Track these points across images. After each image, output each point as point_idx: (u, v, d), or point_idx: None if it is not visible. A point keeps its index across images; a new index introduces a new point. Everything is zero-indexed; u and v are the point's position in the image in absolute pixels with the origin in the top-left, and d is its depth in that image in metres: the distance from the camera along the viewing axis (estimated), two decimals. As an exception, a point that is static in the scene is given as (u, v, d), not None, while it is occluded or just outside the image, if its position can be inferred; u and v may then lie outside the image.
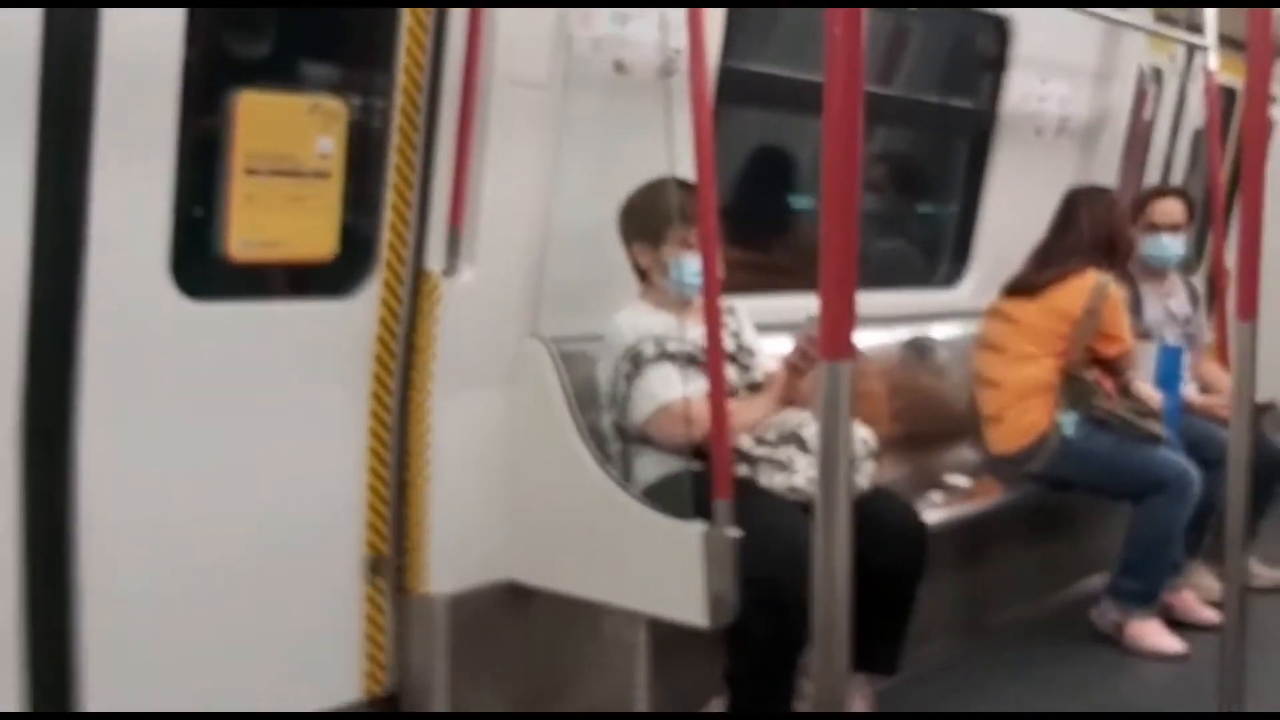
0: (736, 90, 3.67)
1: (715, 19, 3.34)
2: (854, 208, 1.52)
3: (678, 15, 2.80)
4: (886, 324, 4.30)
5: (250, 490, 2.71)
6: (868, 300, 4.60)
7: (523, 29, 2.92)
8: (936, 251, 4.86)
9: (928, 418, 4.22)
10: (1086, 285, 3.89)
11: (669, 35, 2.95)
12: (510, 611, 3.09)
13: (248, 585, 2.70)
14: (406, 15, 2.79)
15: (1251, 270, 2.42)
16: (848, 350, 1.53)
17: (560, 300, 3.14)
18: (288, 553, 2.78)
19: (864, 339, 4.19)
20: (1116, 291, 3.95)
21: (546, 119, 3.01)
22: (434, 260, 2.93)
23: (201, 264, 2.60)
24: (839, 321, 1.52)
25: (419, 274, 2.93)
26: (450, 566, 3.01)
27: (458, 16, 2.80)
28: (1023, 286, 4.04)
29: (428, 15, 2.80)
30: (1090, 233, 4.01)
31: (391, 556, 2.97)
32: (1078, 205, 4.09)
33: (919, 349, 4.34)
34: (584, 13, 3.05)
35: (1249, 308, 2.38)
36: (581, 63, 3.08)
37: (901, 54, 4.76)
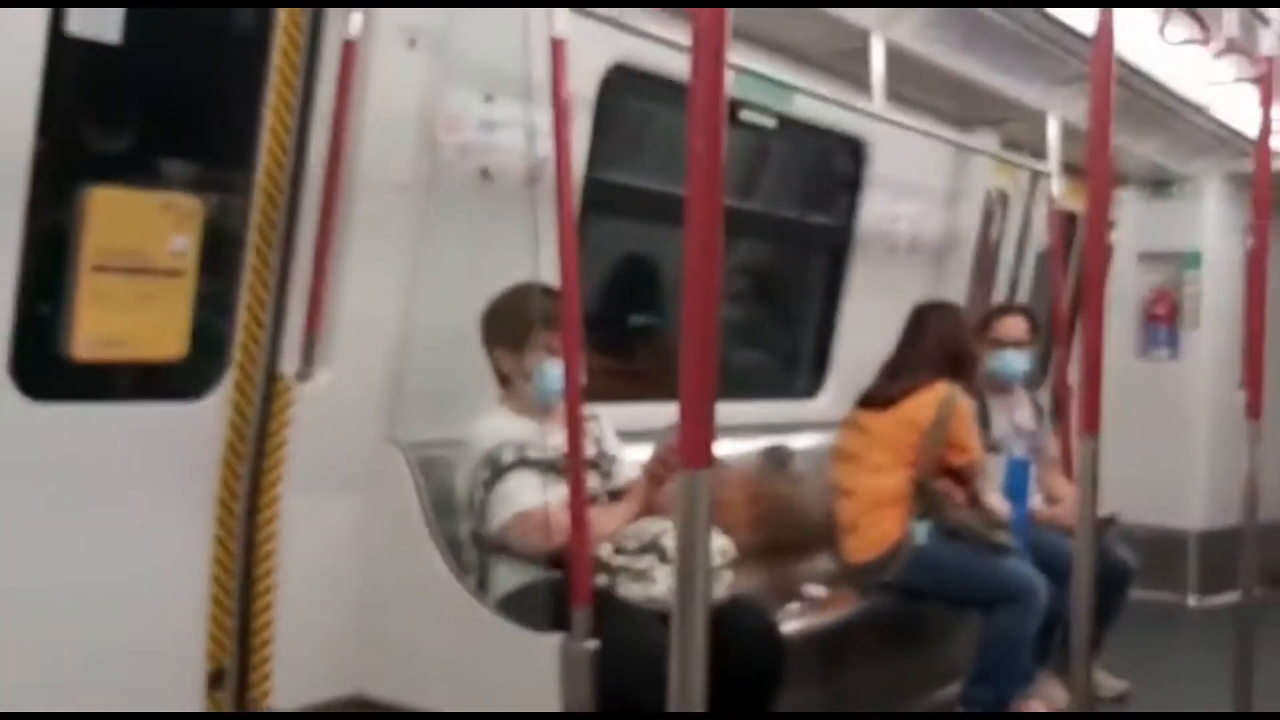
0: (602, 200, 3.72)
1: (581, 129, 3.39)
2: (714, 318, 1.54)
3: (544, 124, 2.83)
4: (746, 434, 4.35)
5: (89, 600, 2.57)
6: (728, 410, 4.64)
7: (387, 132, 2.91)
8: (795, 363, 4.96)
9: (786, 527, 4.25)
10: (935, 397, 4.00)
11: (535, 144, 2.98)
12: (359, 728, 2.98)
13: (84, 700, 2.55)
14: (269, 113, 2.76)
15: (1094, 386, 2.51)
16: (707, 459, 1.53)
17: (420, 405, 3.10)
18: (127, 665, 2.64)
19: (724, 448, 4.23)
20: (964, 403, 4.06)
21: (409, 222, 3.00)
22: (288, 362, 2.87)
23: (44, 363, 2.50)
24: (698, 430, 1.52)
25: (272, 377, 2.86)
26: (296, 680, 2.89)
27: (321, 116, 2.78)
28: (875, 398, 4.14)
29: (290, 113, 2.78)
30: (937, 346, 4.14)
31: (234, 669, 2.84)
32: (924, 320, 4.23)
33: (777, 458, 4.39)
34: (451, 118, 3.06)
35: (1092, 422, 2.46)
36: (447, 168, 3.08)
37: (763, 171, 4.90)
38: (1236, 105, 4.90)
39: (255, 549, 2.84)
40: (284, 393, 2.85)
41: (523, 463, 2.96)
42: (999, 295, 5.54)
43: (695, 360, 1.51)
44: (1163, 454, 6.28)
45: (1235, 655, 3.28)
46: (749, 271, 5.11)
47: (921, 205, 4.94)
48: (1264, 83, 3.26)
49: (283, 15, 2.75)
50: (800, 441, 4.52)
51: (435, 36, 2.93)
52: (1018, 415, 4.70)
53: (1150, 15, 3.20)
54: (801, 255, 5.04)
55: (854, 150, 4.64)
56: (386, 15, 2.81)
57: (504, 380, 3.13)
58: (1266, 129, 3.28)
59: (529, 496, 2.91)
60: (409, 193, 2.99)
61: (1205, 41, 3.04)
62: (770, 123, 4.21)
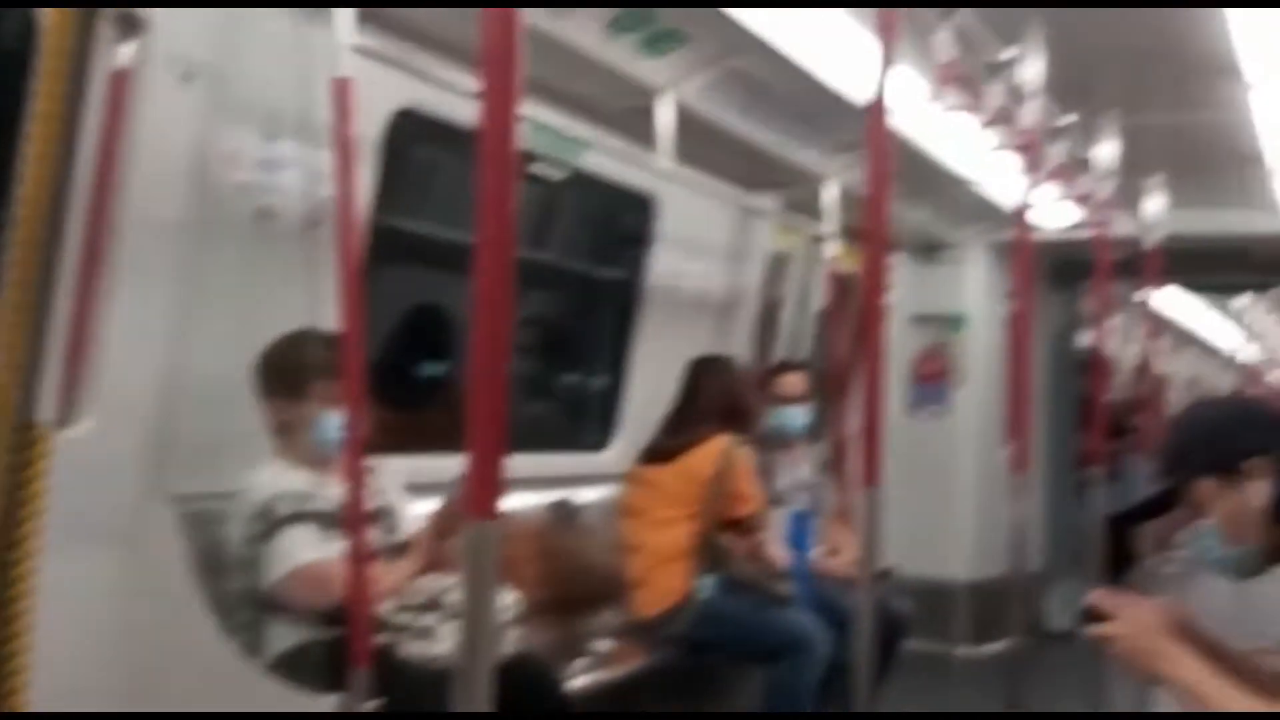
0: (389, 247, 3.63)
1: (367, 174, 3.31)
2: (504, 367, 1.49)
3: (327, 165, 2.74)
4: (535, 487, 4.30)
5: None
6: (516, 463, 4.58)
7: (159, 168, 2.77)
8: (584, 416, 4.94)
9: (574, 582, 4.19)
10: (716, 449, 4.05)
11: (317, 186, 2.88)
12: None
13: None
14: (30, 143, 2.58)
15: (874, 440, 2.57)
16: (494, 511, 1.48)
17: (190, 456, 2.92)
18: None
19: (512, 502, 4.17)
20: (743, 454, 4.12)
21: (181, 264, 2.84)
22: (45, 410, 2.67)
23: None
24: (487, 481, 1.47)
25: (26, 425, 2.65)
26: (50, 751, 2.66)
27: (87, 147, 2.62)
28: (657, 452, 4.17)
29: (51, 143, 2.60)
30: (714, 400, 4.21)
31: (-19, 740, 2.60)
32: (701, 374, 4.30)
33: (565, 512, 4.35)
34: (228, 156, 2.93)
35: (873, 475, 2.52)
36: (223, 207, 2.95)
37: (555, 223, 4.89)
38: (1000, 177, 5.18)
39: (7, 608, 2.61)
40: (39, 442, 2.64)
41: (300, 516, 2.84)
42: (780, 353, 5.67)
43: (484, 410, 1.46)
44: (933, 507, 6.53)
45: (1005, 703, 3.40)
46: (539, 323, 5.09)
47: (708, 263, 5.03)
48: (1026, 154, 3.45)
49: (49, 40, 2.58)
50: (589, 495, 4.50)
51: (213, 71, 2.81)
52: (799, 469, 4.81)
53: (923, 84, 3.34)
54: (591, 308, 5.05)
55: (643, 206, 4.69)
56: (161, 45, 2.68)
57: (281, 431, 2.99)
58: (1028, 200, 3.46)
59: (306, 551, 2.79)
60: (181, 232, 2.83)
61: (974, 110, 3.19)
62: (561, 176, 4.21)
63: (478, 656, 1.51)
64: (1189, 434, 2.22)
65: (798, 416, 4.71)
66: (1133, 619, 2.09)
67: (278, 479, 2.90)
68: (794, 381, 4.77)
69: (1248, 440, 2.09)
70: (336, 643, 2.68)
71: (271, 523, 2.83)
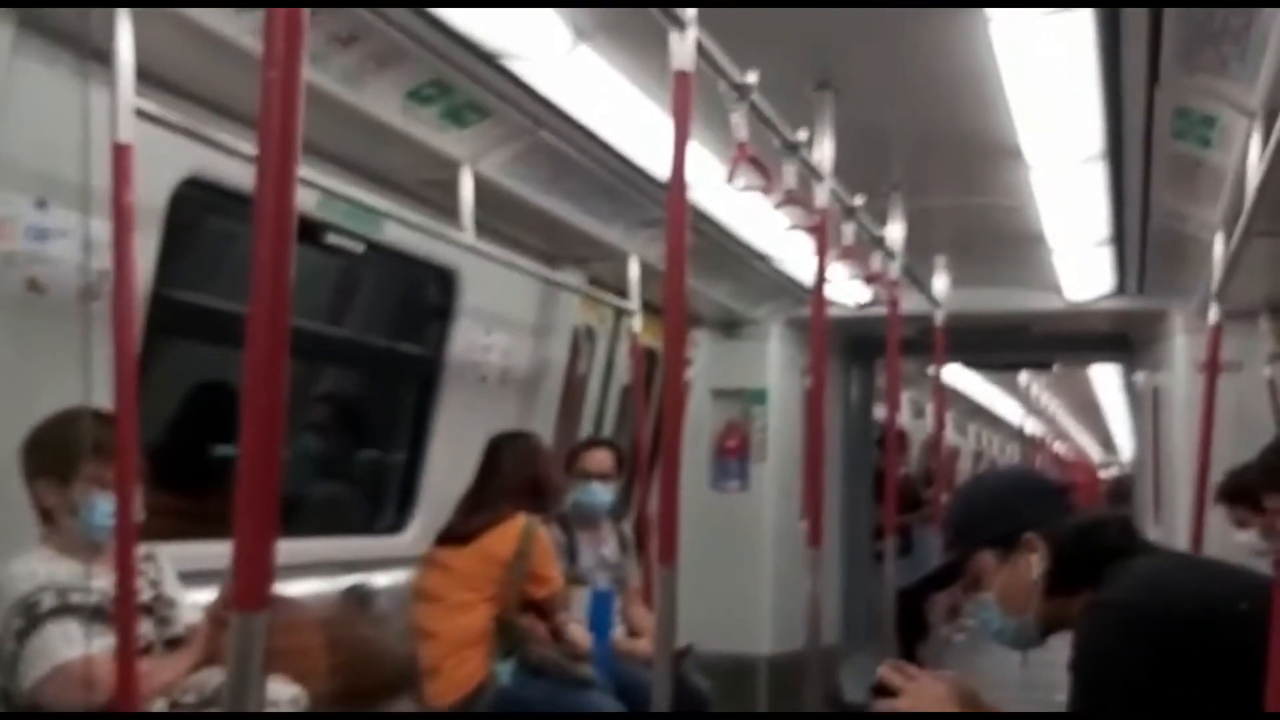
0: (173, 321, 3.46)
1: (149, 244, 3.16)
2: (276, 447, 1.41)
3: (104, 235, 2.59)
4: (327, 572, 4.13)
5: None
6: (306, 547, 4.42)
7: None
8: (381, 496, 4.79)
9: (367, 671, 4.01)
10: (516, 528, 3.97)
11: (94, 256, 2.72)
12: None
13: None
14: None
15: (670, 519, 2.55)
16: (264, 601, 1.38)
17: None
18: None
19: (301, 588, 4.00)
20: (543, 533, 4.05)
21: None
22: None
23: None
24: (255, 570, 1.37)
25: None
26: None
27: None
28: (455, 533, 4.05)
29: None
30: (515, 476, 4.12)
31: None
32: (501, 451, 4.21)
33: (359, 597, 4.18)
34: (-6, 223, 2.75)
35: (669, 555, 2.49)
36: (-12, 277, 2.76)
37: (352, 297, 4.78)
38: (797, 254, 5.32)
39: None
40: None
41: (64, 609, 2.63)
42: (586, 428, 5.65)
43: (253, 493, 1.37)
44: (734, 582, 6.58)
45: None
46: (334, 400, 4.93)
47: (512, 337, 4.98)
48: (819, 234, 3.53)
49: None
50: (385, 579, 4.34)
51: (-21, 132, 2.64)
52: (604, 547, 4.76)
53: (719, 164, 3.40)
54: (390, 384, 4.93)
55: (445, 280, 4.62)
56: (-83, 104, 2.50)
57: (47, 517, 2.77)
58: (821, 277, 3.54)
59: (69, 648, 2.58)
60: (-62, 304, 2.64)
61: (768, 191, 3.25)
62: (358, 248, 4.11)
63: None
64: (969, 508, 2.28)
65: (602, 493, 4.67)
66: (919, 692, 2.11)
67: (41, 569, 2.68)
68: (600, 458, 4.74)
69: (1024, 514, 2.15)
70: (101, 746, 2.48)
71: (32, 618, 2.61)
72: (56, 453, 2.72)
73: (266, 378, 1.41)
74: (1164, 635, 1.84)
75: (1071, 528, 2.11)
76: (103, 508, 2.65)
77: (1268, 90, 2.93)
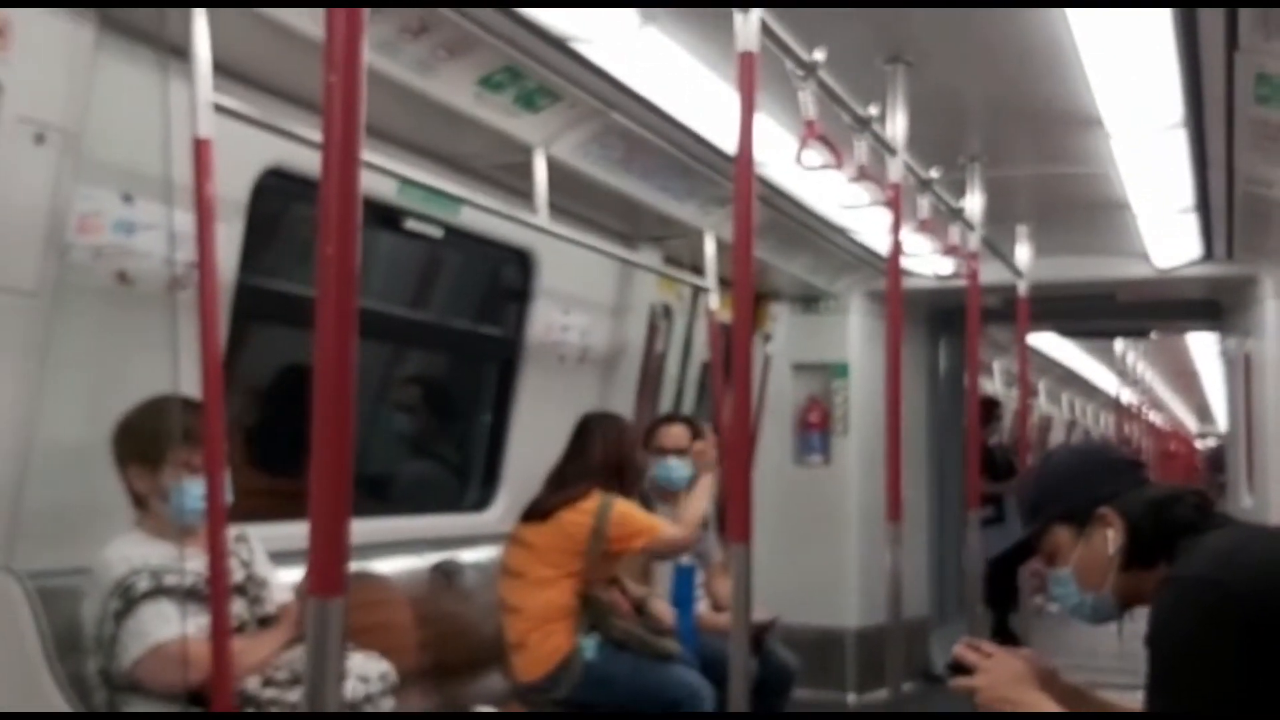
0: (259, 309, 3.55)
1: (233, 235, 3.24)
2: (349, 432, 1.45)
3: (188, 228, 2.67)
4: (416, 549, 4.22)
5: None
6: (396, 525, 4.51)
7: (10, 233, 2.67)
8: (467, 475, 4.88)
9: (456, 647, 4.12)
10: (592, 506, 4.00)
11: (179, 248, 2.81)
12: None
13: None
14: None
15: (742, 496, 2.56)
16: (339, 586, 1.43)
17: (42, 529, 2.81)
18: None
19: (392, 565, 4.09)
20: (619, 502, 4.04)
21: (33, 330, 2.74)
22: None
23: None
24: (329, 554, 1.42)
25: None
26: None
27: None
28: (537, 511, 4.09)
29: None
30: (601, 456, 4.15)
31: None
32: (590, 430, 4.24)
33: (447, 574, 4.27)
34: (84, 219, 2.85)
35: (741, 531, 2.51)
36: (79, 271, 2.86)
37: (434, 281, 4.85)
38: (874, 227, 5.29)
39: None
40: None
41: (159, 591, 2.73)
42: (665, 406, 5.68)
43: (327, 477, 1.41)
44: (819, 556, 6.58)
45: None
46: (421, 381, 5.02)
47: (589, 317, 5.02)
48: (894, 208, 3.51)
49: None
50: (472, 556, 4.43)
51: (67, 131, 2.73)
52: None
53: (792, 139, 3.39)
54: (473, 366, 5.00)
55: (522, 262, 4.68)
56: (9, 107, 2.60)
57: (139, 501, 2.88)
58: (896, 250, 3.52)
59: (165, 628, 2.68)
60: (34, 299, 2.74)
61: (839, 167, 3.24)
62: (437, 233, 4.18)
63: (326, 740, 1.45)
64: (1043, 483, 2.26)
65: (681, 468, 4.70)
66: (996, 670, 2.11)
67: (135, 552, 2.78)
68: (677, 434, 4.77)
69: (1099, 488, 2.13)
70: (199, 722, 2.58)
71: (129, 599, 2.71)
72: (146, 439, 2.82)
73: (336, 363, 1.45)
74: (1238, 610, 1.81)
75: (1146, 502, 2.08)
76: (193, 491, 2.74)
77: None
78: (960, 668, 2.16)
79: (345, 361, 1.44)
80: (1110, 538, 2.10)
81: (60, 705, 2.64)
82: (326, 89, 1.47)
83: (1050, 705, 2.06)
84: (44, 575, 2.75)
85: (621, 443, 4.22)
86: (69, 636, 2.74)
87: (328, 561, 1.40)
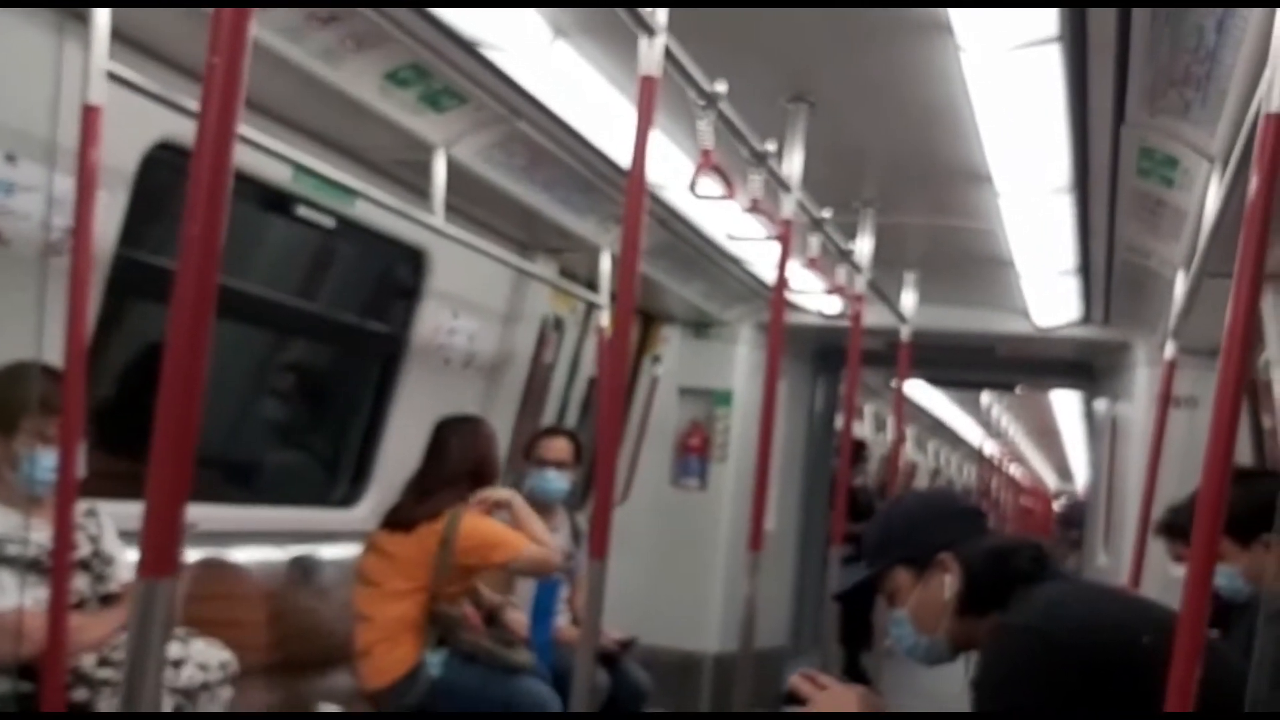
0: (136, 282, 3.49)
1: (117, 205, 3.18)
2: (195, 407, 1.43)
3: (67, 193, 2.62)
4: (276, 540, 4.17)
5: None
6: (259, 514, 4.43)
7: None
8: (337, 469, 4.82)
9: (307, 642, 4.07)
10: (443, 518, 3.93)
11: (58, 213, 2.75)
12: None
13: None
14: None
15: (604, 513, 2.59)
16: (172, 566, 1.41)
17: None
18: None
19: (250, 554, 4.02)
20: (470, 517, 3.95)
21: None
22: None
23: None
24: (164, 533, 1.40)
25: None
26: None
27: None
28: (398, 521, 4.00)
29: None
30: (459, 460, 4.09)
31: None
32: (446, 436, 4.17)
33: (304, 569, 4.22)
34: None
35: (600, 548, 2.53)
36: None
37: (323, 272, 4.79)
38: (767, 259, 5.37)
39: None
40: None
41: (-1, 559, 2.66)
42: (549, 418, 5.68)
43: (168, 456, 1.40)
44: (687, 579, 6.64)
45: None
46: (299, 369, 4.96)
47: (479, 322, 5.01)
48: (783, 243, 3.57)
49: None
50: (333, 552, 4.38)
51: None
52: (556, 536, 4.79)
53: (689, 166, 3.44)
54: (355, 360, 4.95)
55: (415, 261, 4.65)
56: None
57: (-11, 467, 2.81)
58: (781, 284, 3.58)
59: (1, 598, 2.61)
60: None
61: (731, 198, 3.30)
62: (329, 223, 4.14)
63: (144, 721, 1.44)
64: (889, 526, 2.33)
65: (558, 480, 4.71)
66: (828, 700, 2.16)
67: (-21, 518, 2.71)
68: (559, 446, 4.77)
69: (940, 535, 2.20)
70: (27, 699, 2.52)
71: (-34, 566, 2.64)
72: (1, 404, 2.75)
73: (188, 340, 1.44)
74: (1059, 660, 1.89)
75: (984, 551, 2.16)
76: (44, 462, 2.68)
77: (1225, 137, 2.98)
78: (794, 698, 2.21)
79: (198, 339, 1.43)
80: (947, 583, 2.16)
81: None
82: (208, 69, 1.46)
83: (876, 738, 2.12)
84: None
85: (478, 446, 4.15)
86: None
87: (162, 540, 1.39)
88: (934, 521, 2.24)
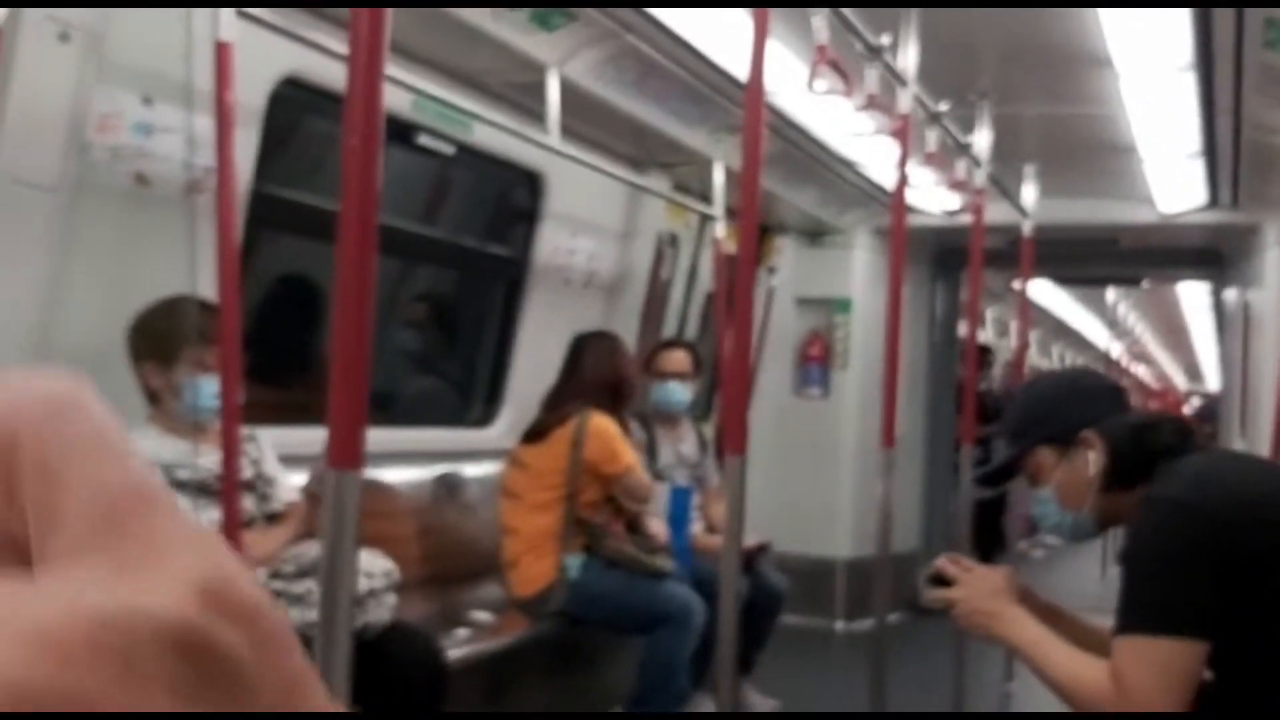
0: (269, 217, 3.61)
1: (248, 141, 3.29)
2: (368, 309, 1.51)
3: (206, 132, 2.73)
4: (419, 461, 4.31)
5: None
6: (401, 436, 4.58)
7: (32, 128, 2.73)
8: (471, 391, 4.96)
9: (456, 556, 4.23)
10: (574, 423, 4.05)
11: (196, 152, 2.87)
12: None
13: None
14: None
15: (738, 410, 2.63)
16: (357, 459, 1.50)
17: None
18: None
19: (396, 475, 4.17)
20: (599, 420, 4.07)
21: (53, 225, 2.81)
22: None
23: None
24: (349, 429, 1.49)
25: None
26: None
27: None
28: (533, 432, 4.15)
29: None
30: (594, 374, 4.19)
31: None
32: (583, 350, 4.28)
33: (449, 486, 4.37)
34: (104, 119, 2.90)
35: (737, 444, 2.58)
36: (98, 170, 2.91)
37: (444, 198, 4.90)
38: (882, 161, 5.32)
39: None
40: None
41: (171, 484, 2.82)
42: (668, 333, 5.75)
43: (348, 355, 1.48)
44: (814, 487, 6.69)
45: (871, 675, 3.50)
46: (428, 298, 5.09)
47: (596, 241, 5.08)
48: (901, 138, 3.55)
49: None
50: (473, 470, 4.52)
51: (90, 31, 2.78)
52: (682, 446, 4.88)
53: (802, 69, 3.42)
54: (480, 284, 5.07)
55: (532, 183, 4.72)
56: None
57: (153, 397, 2.96)
58: (902, 183, 3.56)
59: (179, 519, 2.77)
60: (53, 195, 2.80)
61: (849, 95, 3.28)
62: (449, 149, 4.22)
63: (338, 610, 1.54)
64: (1029, 407, 2.34)
65: (679, 392, 4.78)
66: (974, 583, 2.20)
67: (149, 446, 2.87)
68: (678, 358, 4.84)
69: (1082, 412, 2.20)
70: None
71: (141, 490, 2.80)
72: (161, 337, 2.90)
73: (357, 262, 1.52)
74: (1210, 531, 1.90)
75: (1127, 426, 2.16)
76: (207, 389, 2.82)
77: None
78: (940, 580, 2.25)
79: (366, 255, 1.51)
80: (1092, 460, 2.17)
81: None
82: (354, 14, 1.52)
83: (1026, 617, 2.15)
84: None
85: (613, 361, 4.26)
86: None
87: (347, 435, 1.48)
88: (1075, 400, 2.24)
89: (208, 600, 0.26)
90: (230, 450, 2.60)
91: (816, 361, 6.89)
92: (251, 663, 0.26)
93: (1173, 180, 5.67)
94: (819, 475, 6.72)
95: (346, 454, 1.46)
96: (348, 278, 1.48)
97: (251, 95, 3.25)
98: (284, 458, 3.26)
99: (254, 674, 0.26)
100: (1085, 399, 2.24)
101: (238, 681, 0.26)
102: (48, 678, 0.25)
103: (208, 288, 2.72)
